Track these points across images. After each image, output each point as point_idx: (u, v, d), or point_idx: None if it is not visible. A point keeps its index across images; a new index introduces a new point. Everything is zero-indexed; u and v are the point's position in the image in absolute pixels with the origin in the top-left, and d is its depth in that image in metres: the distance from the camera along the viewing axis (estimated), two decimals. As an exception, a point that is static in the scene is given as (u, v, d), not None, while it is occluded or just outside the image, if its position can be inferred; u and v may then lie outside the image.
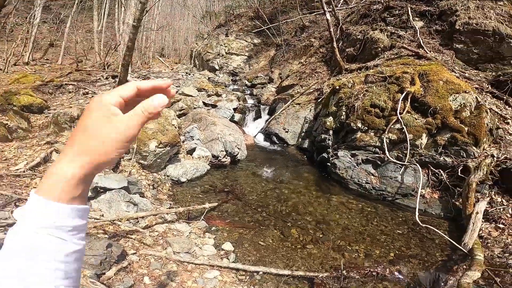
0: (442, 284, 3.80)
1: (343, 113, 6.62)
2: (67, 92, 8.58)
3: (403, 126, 5.50)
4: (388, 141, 5.66)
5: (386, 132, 5.66)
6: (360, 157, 5.99)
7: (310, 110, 8.74)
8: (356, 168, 5.94)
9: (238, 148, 7.21)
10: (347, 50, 10.00)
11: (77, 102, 7.27)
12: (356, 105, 6.25)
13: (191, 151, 6.69)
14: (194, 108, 8.85)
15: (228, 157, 7.08)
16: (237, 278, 3.51)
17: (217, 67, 18.86)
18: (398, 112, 5.65)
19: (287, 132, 8.68)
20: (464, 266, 3.93)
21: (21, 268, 0.38)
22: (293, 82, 11.00)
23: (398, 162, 5.52)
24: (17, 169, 3.89)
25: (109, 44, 17.67)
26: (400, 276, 3.91)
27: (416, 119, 5.61)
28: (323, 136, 6.97)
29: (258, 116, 10.15)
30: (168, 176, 5.71)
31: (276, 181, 6.53)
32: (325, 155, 6.88)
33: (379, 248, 4.53)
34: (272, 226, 4.76)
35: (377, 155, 5.81)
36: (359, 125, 6.12)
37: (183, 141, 6.94)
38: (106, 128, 0.44)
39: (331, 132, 6.88)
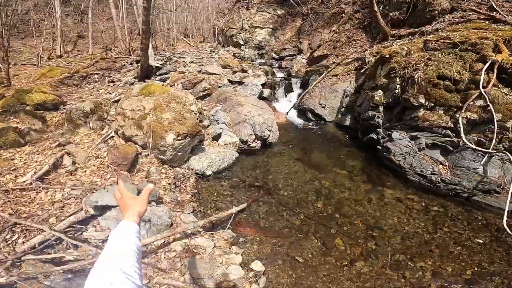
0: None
1: (397, 86, 5.25)
2: (93, 81, 8.42)
3: (489, 103, 4.08)
4: (465, 122, 4.30)
5: (462, 110, 4.28)
6: (423, 141, 4.74)
7: (350, 82, 7.46)
8: (417, 155, 4.74)
9: (269, 130, 6.30)
10: (390, 14, 8.55)
11: (97, 93, 6.91)
12: (416, 76, 4.83)
13: (216, 137, 5.96)
14: (219, 87, 7.96)
15: (258, 141, 6.24)
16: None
17: (242, 42, 18.06)
18: (480, 85, 4.18)
19: (323, 107, 7.51)
20: None
21: (129, 249, 0.93)
22: (326, 52, 9.86)
23: (480, 149, 4.20)
24: (24, 181, 3.52)
25: (131, 29, 17.29)
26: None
27: (506, 95, 4.11)
28: (370, 113, 5.72)
29: (289, 90, 9.07)
30: (192, 169, 5.10)
31: (314, 169, 5.60)
32: (373, 135, 5.69)
33: (452, 264, 3.54)
34: (312, 233, 3.96)
35: (448, 138, 4.52)
36: (422, 100, 4.76)
37: (207, 126, 6.20)
38: (136, 201, 1.14)
39: (381, 108, 5.59)
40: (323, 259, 3.56)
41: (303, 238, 3.89)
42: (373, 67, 6.27)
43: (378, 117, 5.56)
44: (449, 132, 4.51)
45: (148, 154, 4.51)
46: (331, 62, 8.88)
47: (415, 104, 4.82)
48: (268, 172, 5.51)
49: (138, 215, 1.08)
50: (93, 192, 3.52)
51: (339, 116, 7.39)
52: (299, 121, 8.04)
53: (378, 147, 5.44)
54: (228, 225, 3.82)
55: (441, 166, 4.60)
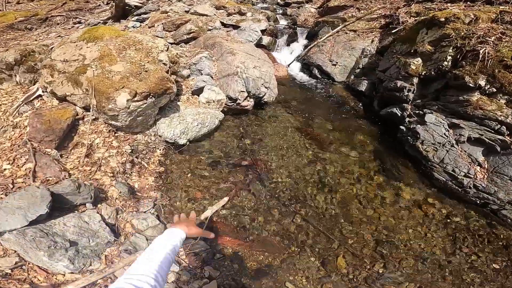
0: None
1: (448, 57, 3.88)
2: (55, 24, 7.15)
3: None
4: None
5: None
6: (466, 133, 3.65)
7: (372, 41, 6.11)
8: (454, 149, 3.71)
9: (266, 87, 4.89)
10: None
11: (47, 37, 5.43)
12: (481, 51, 3.44)
13: (197, 91, 4.52)
14: (209, 30, 6.14)
15: (251, 100, 4.89)
16: None
17: (243, -19, 14.38)
18: None
19: (334, 65, 6.14)
20: None
21: (173, 248, 1.02)
22: (345, 3, 8.36)
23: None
24: None
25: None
26: None
27: None
28: (399, 83, 4.41)
29: (293, 39, 7.61)
30: (159, 136, 3.83)
31: (317, 145, 4.49)
32: (397, 110, 4.51)
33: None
34: (309, 247, 3.08)
35: (500, 137, 3.46)
36: (482, 82, 3.49)
37: (188, 76, 4.67)
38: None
39: (415, 80, 4.28)
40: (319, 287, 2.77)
41: (298, 253, 3.01)
42: (412, 29, 4.79)
43: (409, 90, 4.28)
44: (504, 129, 3.41)
45: (90, 120, 3.13)
46: (349, 15, 7.35)
47: (470, 85, 3.54)
48: (259, 145, 4.35)
49: (186, 230, 1.17)
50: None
51: (352, 77, 6.08)
52: (302, 77, 6.60)
53: (400, 127, 4.32)
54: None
55: (478, 168, 3.64)
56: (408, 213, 3.60)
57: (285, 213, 3.38)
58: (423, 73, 4.17)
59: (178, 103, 4.27)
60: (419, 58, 4.23)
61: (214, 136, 4.38)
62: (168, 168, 3.62)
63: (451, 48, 3.85)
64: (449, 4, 5.25)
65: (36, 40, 5.21)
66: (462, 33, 3.81)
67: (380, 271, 2.98)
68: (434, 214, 3.60)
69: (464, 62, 3.67)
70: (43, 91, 3.23)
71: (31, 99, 3.18)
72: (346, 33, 6.56)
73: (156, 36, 5.62)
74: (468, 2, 4.97)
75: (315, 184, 3.81)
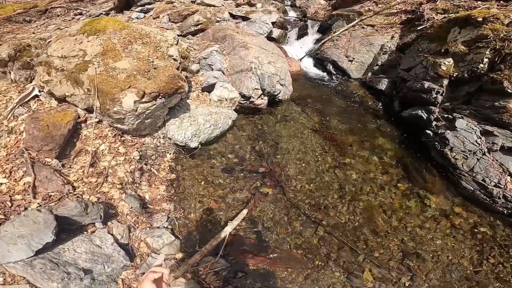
0: None
1: (485, 59, 3.57)
2: (55, 16, 6.77)
3: None
4: None
5: None
6: (500, 141, 3.41)
7: (393, 37, 5.75)
8: (485, 158, 3.47)
9: (281, 84, 4.57)
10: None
11: (45, 29, 5.12)
12: None
13: (208, 88, 4.19)
14: (217, 21, 5.75)
15: (265, 98, 4.57)
16: None
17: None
18: None
19: (351, 61, 5.85)
20: None
21: None
22: None
23: None
24: None
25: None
26: None
27: None
28: (427, 84, 4.13)
29: (303, 33, 7.22)
30: (169, 139, 3.53)
31: (336, 148, 4.23)
32: (422, 113, 4.24)
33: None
34: (333, 261, 2.87)
35: (538, 146, 3.21)
36: (523, 88, 3.20)
37: (197, 72, 4.32)
38: None
39: (445, 81, 3.99)
40: (349, 307, 2.57)
41: (322, 267, 2.80)
42: (441, 27, 4.46)
43: (438, 92, 4.00)
44: (543, 138, 3.17)
45: (94, 124, 2.81)
46: (366, 9, 6.93)
47: (509, 90, 3.28)
48: (275, 148, 4.08)
49: None
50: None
51: (369, 74, 5.78)
52: (315, 73, 6.27)
53: (426, 131, 4.06)
54: (221, 252, 2.57)
55: (509, 178, 3.42)
56: (435, 224, 3.40)
57: (307, 224, 3.15)
58: (454, 75, 3.88)
59: (188, 101, 3.94)
60: (450, 59, 3.93)
61: (227, 138, 4.09)
62: (179, 175, 3.34)
63: (488, 49, 3.56)
64: (479, 2, 4.89)
65: (33, 33, 4.81)
66: (502, 35, 3.51)
67: (407, 284, 2.82)
68: (461, 225, 3.42)
69: (502, 66, 3.39)
70: (39, 91, 2.89)
71: (27, 100, 2.85)
72: (363, 27, 6.18)
73: (162, 27, 5.22)
74: (501, 1, 4.61)
75: (336, 192, 3.57)
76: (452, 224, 3.42)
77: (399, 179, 3.85)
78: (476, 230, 3.39)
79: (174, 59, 3.03)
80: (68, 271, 1.82)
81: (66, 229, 2.14)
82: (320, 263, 2.85)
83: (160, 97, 2.89)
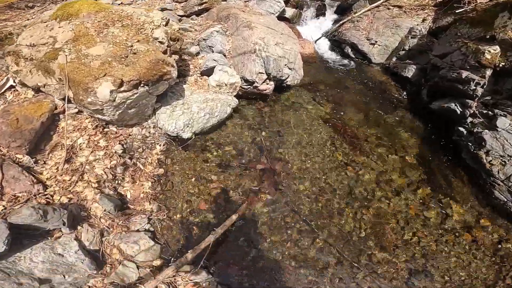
0: None
1: None
2: (60, 1, 6.12)
3: None
4: None
5: None
6: (550, 147, 2.79)
7: (424, 19, 5.10)
8: (527, 166, 2.88)
9: (290, 68, 4.06)
10: None
11: (40, 15, 4.75)
12: None
13: (208, 72, 3.77)
14: (224, 0, 5.20)
15: (271, 82, 4.10)
16: None
17: None
18: None
19: (373, 44, 5.25)
20: None
21: None
22: None
23: None
24: None
25: None
26: None
27: None
28: (465, 73, 3.47)
29: (320, 13, 6.54)
30: (160, 128, 3.23)
31: (349, 143, 3.75)
32: (456, 106, 3.63)
33: None
34: (330, 278, 2.54)
35: None
36: None
37: (197, 54, 3.90)
38: None
39: (488, 72, 3.31)
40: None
41: (315, 284, 2.49)
42: (486, 11, 3.73)
43: (478, 84, 3.34)
44: None
45: (67, 117, 2.53)
46: None
47: None
48: (278, 140, 3.67)
49: None
50: None
51: (393, 60, 5.14)
52: (331, 56, 5.67)
53: (459, 128, 3.47)
54: (203, 260, 2.31)
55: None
56: (454, 238, 2.96)
57: (305, 232, 2.80)
58: (500, 65, 3.20)
59: (184, 86, 3.58)
60: (497, 46, 3.25)
61: (226, 127, 3.73)
62: (168, 169, 3.06)
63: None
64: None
65: (28, 20, 4.53)
66: None
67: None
68: (484, 239, 2.96)
69: None
70: (14, 82, 2.65)
71: (3, 91, 2.62)
72: (389, 8, 5.53)
73: (165, 8, 4.78)
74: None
75: (344, 195, 3.15)
76: (474, 238, 2.96)
77: (420, 183, 3.35)
78: (499, 246, 2.94)
79: (161, 42, 2.64)
80: (20, 282, 1.64)
81: (29, 234, 1.95)
82: (313, 279, 2.53)
83: (142, 85, 2.54)
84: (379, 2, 5.56)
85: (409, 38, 4.99)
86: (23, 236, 1.93)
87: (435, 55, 4.09)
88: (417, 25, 5.00)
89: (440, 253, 2.82)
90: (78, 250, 1.98)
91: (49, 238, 2.00)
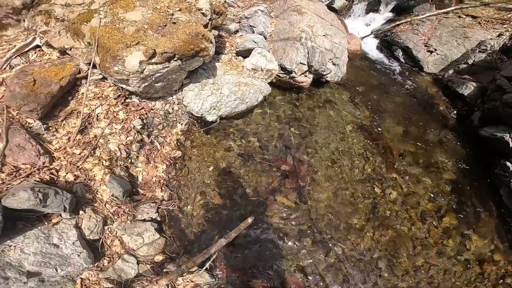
0: None
1: None
2: None
3: None
4: None
5: None
6: None
7: (501, 34, 4.56)
8: None
9: (334, 64, 3.67)
10: None
11: None
12: None
13: (244, 53, 3.44)
14: None
15: (310, 75, 3.75)
16: None
17: None
18: None
19: (430, 51, 4.76)
20: None
21: None
22: None
23: None
24: None
25: None
26: None
27: None
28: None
29: (373, 8, 6.07)
30: (184, 106, 2.99)
31: (382, 156, 3.43)
32: (508, 137, 3.19)
33: None
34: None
35: None
36: None
37: (236, 32, 3.55)
38: None
39: None
40: None
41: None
42: None
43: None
44: None
45: (89, 83, 2.30)
46: None
47: None
48: (307, 140, 3.39)
49: None
50: None
51: (450, 72, 4.61)
52: (378, 57, 5.18)
53: (506, 162, 3.10)
54: (207, 265, 2.15)
55: None
56: (463, 269, 2.73)
57: (318, 243, 2.60)
58: None
59: (217, 64, 3.29)
60: None
61: (253, 115, 3.46)
62: (186, 152, 2.86)
63: None
64: None
65: None
66: None
67: None
68: (490, 274, 2.71)
69: None
70: (40, 42, 2.42)
71: (27, 50, 2.41)
72: (460, 17, 5.00)
73: None
74: None
75: (365, 212, 2.90)
76: (482, 272, 2.71)
77: (448, 211, 3.05)
78: (501, 281, 2.68)
79: (203, 14, 2.34)
80: (6, 276, 1.51)
81: (24, 217, 1.79)
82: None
83: (175, 59, 2.28)
84: (449, 9, 5.03)
85: (476, 51, 4.45)
86: (17, 219, 1.77)
87: (504, 75, 3.57)
88: (491, 39, 4.48)
89: (445, 282, 2.61)
90: (76, 240, 1.84)
91: (46, 223, 1.84)
